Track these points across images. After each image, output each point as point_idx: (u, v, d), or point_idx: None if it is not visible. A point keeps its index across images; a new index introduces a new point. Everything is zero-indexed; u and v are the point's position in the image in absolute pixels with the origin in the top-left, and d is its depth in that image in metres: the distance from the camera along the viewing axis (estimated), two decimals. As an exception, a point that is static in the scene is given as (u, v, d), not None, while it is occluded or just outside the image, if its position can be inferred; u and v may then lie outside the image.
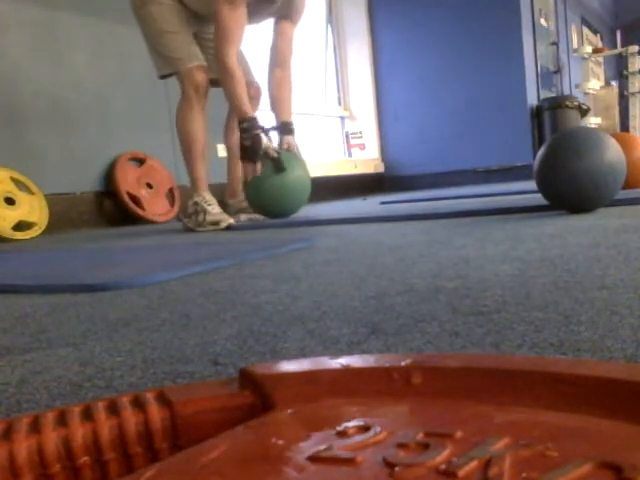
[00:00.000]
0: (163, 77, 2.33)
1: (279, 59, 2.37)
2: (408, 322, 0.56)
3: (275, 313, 0.66)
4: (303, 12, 2.35)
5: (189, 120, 2.24)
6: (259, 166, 2.10)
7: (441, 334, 0.51)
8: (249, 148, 2.07)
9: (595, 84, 5.81)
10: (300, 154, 2.34)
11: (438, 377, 0.26)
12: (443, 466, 0.19)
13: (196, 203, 2.27)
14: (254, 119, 2.08)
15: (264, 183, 2.19)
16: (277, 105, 2.36)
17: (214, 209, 2.25)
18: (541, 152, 1.56)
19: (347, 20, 5.66)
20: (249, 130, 2.06)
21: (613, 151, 1.47)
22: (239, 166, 2.31)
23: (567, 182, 1.48)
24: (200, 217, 2.23)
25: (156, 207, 3.41)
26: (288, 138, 2.30)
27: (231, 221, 2.20)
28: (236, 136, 2.27)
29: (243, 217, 2.35)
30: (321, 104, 5.45)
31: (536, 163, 1.57)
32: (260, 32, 2.69)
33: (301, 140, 2.51)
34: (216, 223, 2.20)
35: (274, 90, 2.36)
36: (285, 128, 2.32)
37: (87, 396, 0.44)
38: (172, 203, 3.54)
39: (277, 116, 2.35)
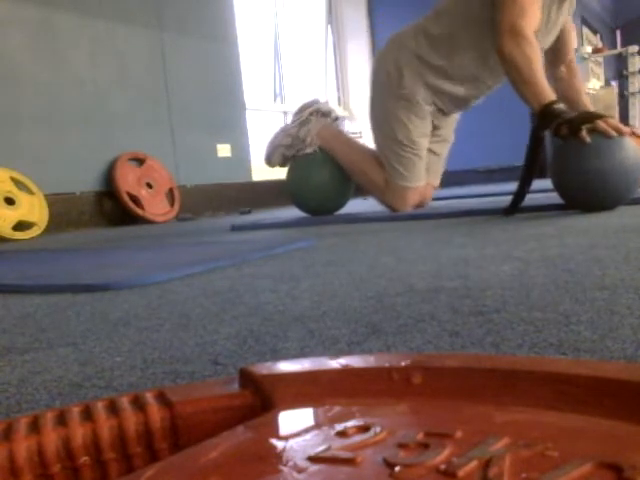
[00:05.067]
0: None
1: (564, 56, 2.04)
2: (408, 322, 0.56)
3: (275, 313, 0.66)
4: None
5: (371, 172, 2.14)
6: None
7: (441, 334, 0.51)
8: (577, 117, 1.57)
9: (595, 84, 5.80)
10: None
11: (438, 377, 0.26)
12: (443, 466, 0.19)
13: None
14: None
15: (309, 181, 2.21)
16: (575, 96, 2.01)
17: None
18: (558, 149, 1.55)
19: (347, 20, 5.66)
20: (566, 112, 1.59)
21: (633, 150, 1.47)
22: None
23: (592, 180, 1.46)
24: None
25: (156, 207, 3.41)
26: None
27: None
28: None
29: None
30: (321, 104, 5.44)
31: (552, 161, 1.56)
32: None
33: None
34: None
35: (564, 83, 2.02)
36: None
37: (87, 396, 0.44)
38: (172, 203, 3.54)
39: (577, 106, 1.97)
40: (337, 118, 2.34)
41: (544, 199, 1.90)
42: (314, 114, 2.25)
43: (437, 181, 2.22)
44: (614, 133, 1.49)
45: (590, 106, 2.04)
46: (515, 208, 1.70)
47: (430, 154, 2.15)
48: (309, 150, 2.21)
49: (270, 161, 2.29)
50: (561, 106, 1.59)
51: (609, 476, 0.18)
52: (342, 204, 2.32)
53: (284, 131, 2.28)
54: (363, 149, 2.25)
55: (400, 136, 2.06)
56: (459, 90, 2.03)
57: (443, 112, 2.12)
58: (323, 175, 2.21)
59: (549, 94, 1.62)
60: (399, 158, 2.06)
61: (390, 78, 2.06)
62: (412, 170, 2.07)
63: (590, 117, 1.56)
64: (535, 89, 1.64)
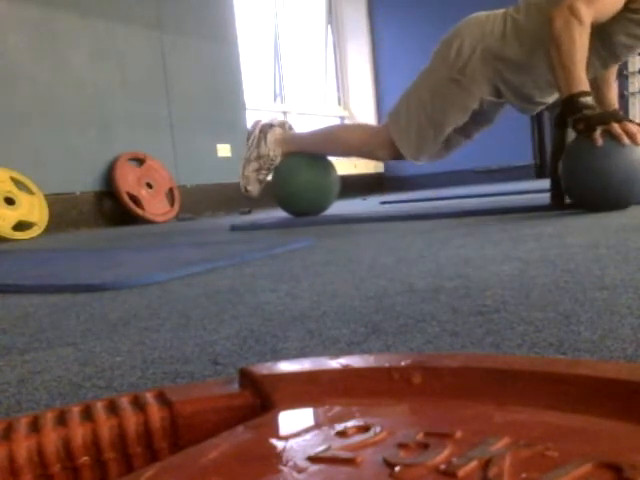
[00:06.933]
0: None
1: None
2: (408, 322, 0.56)
3: (275, 313, 0.66)
4: None
5: (364, 142, 2.14)
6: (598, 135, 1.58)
7: (441, 334, 0.51)
8: (595, 117, 1.56)
9: (595, 84, 5.79)
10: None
11: (438, 377, 0.26)
12: (443, 466, 0.19)
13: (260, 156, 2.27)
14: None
15: (293, 181, 2.21)
16: (606, 93, 1.98)
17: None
18: (569, 146, 1.54)
19: (347, 20, 5.65)
20: (589, 107, 1.57)
21: None
22: None
23: (599, 179, 1.46)
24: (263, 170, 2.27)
25: (156, 207, 3.41)
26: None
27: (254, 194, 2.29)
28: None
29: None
30: (321, 104, 5.45)
31: (563, 158, 1.55)
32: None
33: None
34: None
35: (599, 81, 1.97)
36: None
37: (87, 396, 0.44)
38: (172, 203, 3.54)
39: (604, 105, 1.95)
40: (286, 122, 2.40)
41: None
42: (263, 130, 2.28)
43: (436, 159, 2.19)
44: (627, 141, 1.48)
45: (615, 101, 2.03)
46: (561, 197, 1.68)
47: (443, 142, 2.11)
48: (277, 160, 2.25)
49: (248, 192, 2.29)
50: (587, 100, 1.57)
51: (609, 476, 0.17)
52: (326, 204, 2.32)
53: (247, 160, 2.30)
54: (319, 130, 2.31)
55: (433, 113, 2.00)
56: (529, 87, 1.92)
57: (499, 103, 2.01)
58: (300, 179, 2.22)
59: (580, 84, 1.58)
60: (418, 130, 2.02)
61: (458, 56, 1.95)
62: (420, 146, 2.03)
63: (609, 119, 1.54)
64: (568, 75, 1.60)
